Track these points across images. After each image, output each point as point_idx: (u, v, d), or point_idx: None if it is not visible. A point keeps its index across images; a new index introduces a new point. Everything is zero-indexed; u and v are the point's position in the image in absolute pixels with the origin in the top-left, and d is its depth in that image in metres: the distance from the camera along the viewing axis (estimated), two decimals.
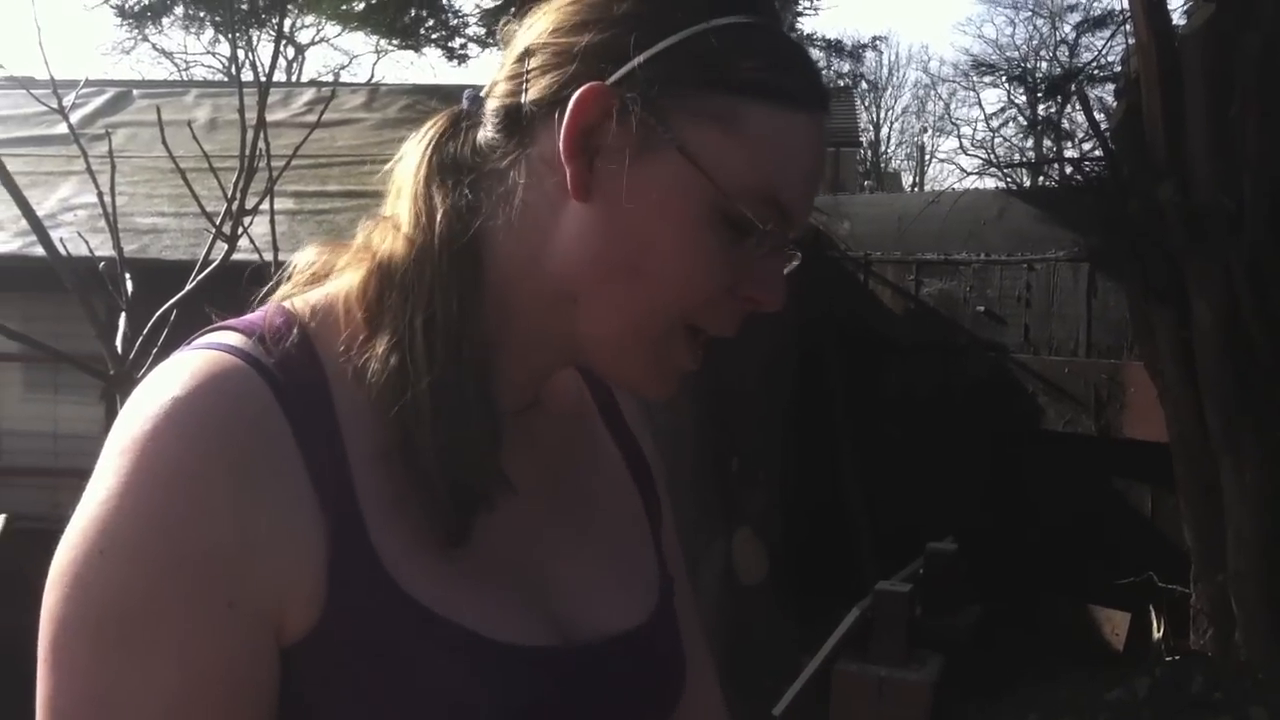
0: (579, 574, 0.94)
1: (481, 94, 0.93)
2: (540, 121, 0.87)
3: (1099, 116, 6.42)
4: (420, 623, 0.80)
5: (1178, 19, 5.25)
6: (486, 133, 0.90)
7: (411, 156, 0.92)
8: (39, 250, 2.90)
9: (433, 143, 0.92)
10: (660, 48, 0.84)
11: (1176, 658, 5.21)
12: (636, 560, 1.02)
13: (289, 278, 0.92)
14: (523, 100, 0.87)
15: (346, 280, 0.89)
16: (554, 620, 0.89)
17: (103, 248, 3.33)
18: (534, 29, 0.89)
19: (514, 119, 0.88)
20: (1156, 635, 5.74)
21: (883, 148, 35.03)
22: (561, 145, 0.84)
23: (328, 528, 0.79)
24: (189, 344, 0.85)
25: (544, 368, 0.96)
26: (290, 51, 24.04)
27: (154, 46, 23.71)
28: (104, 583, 0.75)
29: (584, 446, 1.04)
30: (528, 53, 0.88)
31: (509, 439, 0.89)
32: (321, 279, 0.91)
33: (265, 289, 0.92)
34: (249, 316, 0.87)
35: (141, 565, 0.74)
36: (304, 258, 0.92)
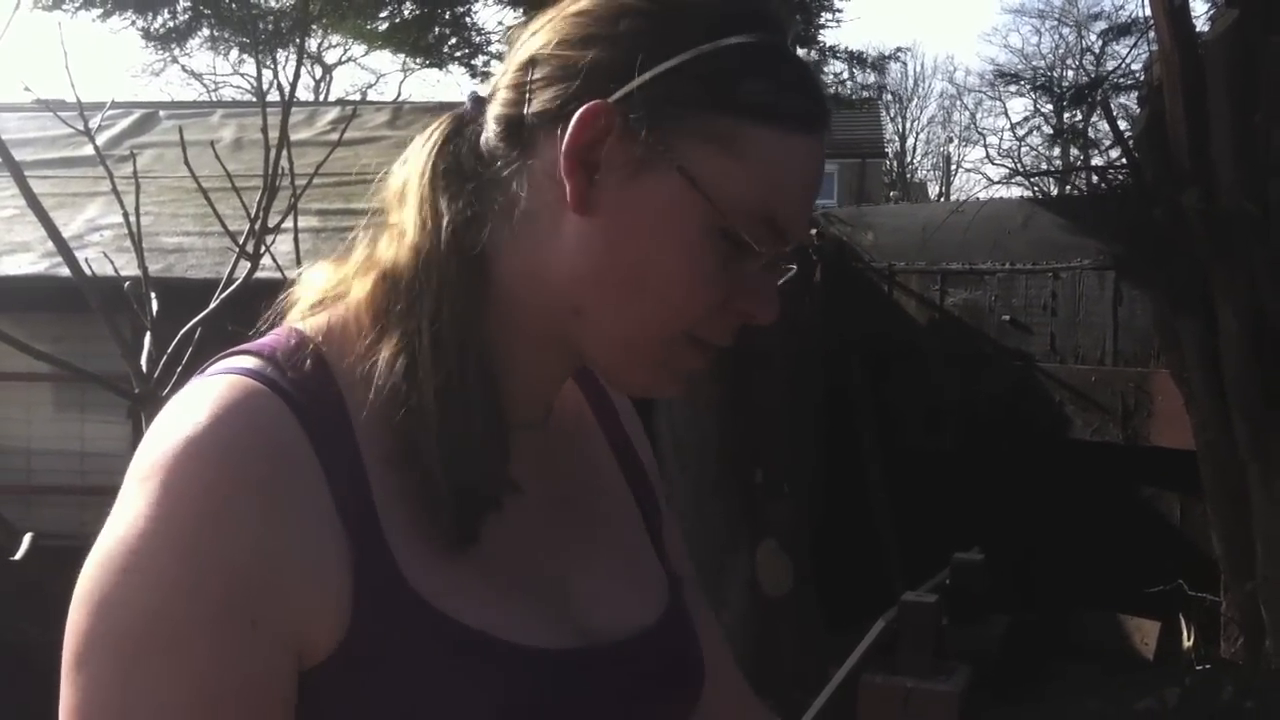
0: (595, 580, 0.96)
1: (484, 95, 0.94)
2: (543, 133, 0.88)
3: (1123, 124, 6.40)
4: (449, 635, 0.82)
5: (1201, 25, 5.23)
6: (489, 139, 0.91)
7: (415, 161, 0.93)
8: (66, 271, 2.93)
9: (436, 147, 0.93)
10: (665, 67, 0.84)
11: (1207, 666, 5.17)
12: (643, 563, 1.04)
13: (299, 298, 0.93)
14: (525, 111, 0.88)
15: (355, 293, 0.90)
16: (578, 624, 0.91)
17: (128, 267, 3.36)
18: (538, 38, 0.90)
19: (516, 129, 0.89)
20: (1187, 644, 5.70)
21: (909, 158, 35.00)
22: (563, 160, 0.85)
23: (351, 547, 0.80)
24: (204, 370, 0.87)
25: (553, 378, 0.98)
26: (318, 71, 24.22)
27: (183, 69, 23.95)
28: (126, 601, 0.76)
29: (587, 455, 1.06)
30: (532, 62, 0.89)
31: (522, 452, 0.91)
32: (333, 299, 0.92)
33: (273, 310, 0.93)
34: (262, 340, 0.88)
35: (163, 586, 0.76)
36: (313, 278, 0.94)
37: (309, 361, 0.85)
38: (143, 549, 0.76)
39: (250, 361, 0.85)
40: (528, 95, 0.88)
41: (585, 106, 0.84)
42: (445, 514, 0.83)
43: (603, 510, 1.04)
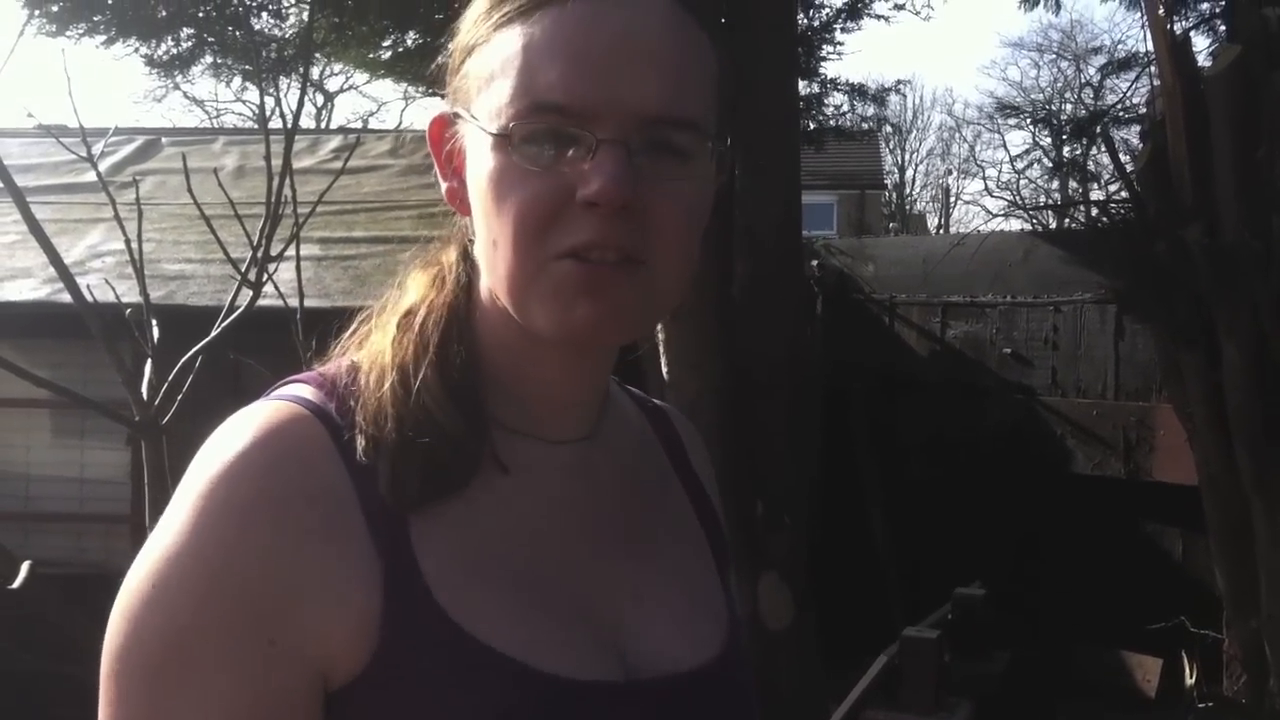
0: (647, 612, 0.94)
1: None
2: None
3: (1124, 158, 6.41)
4: (470, 654, 0.82)
5: (1203, 61, 5.25)
6: None
7: None
8: (67, 297, 2.92)
9: None
10: (449, 52, 0.93)
11: (1210, 704, 5.14)
12: (705, 596, 1.02)
13: (356, 331, 0.97)
14: None
15: (387, 323, 0.96)
16: (621, 655, 0.90)
17: (130, 294, 3.35)
18: None
19: None
20: (1189, 681, 5.66)
21: (908, 190, 35.05)
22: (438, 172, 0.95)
23: (383, 568, 0.82)
24: (266, 395, 0.91)
25: (559, 382, 0.95)
26: (319, 99, 24.29)
27: (185, 95, 24.00)
28: (151, 615, 0.79)
29: (650, 480, 1.06)
30: None
31: (571, 470, 0.95)
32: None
33: (337, 339, 0.98)
34: (324, 369, 0.93)
35: (185, 598, 0.78)
36: (366, 311, 0.98)
37: (354, 387, 0.89)
38: (168, 564, 0.79)
39: (302, 388, 0.89)
40: None
41: (429, 122, 0.94)
42: (396, 469, 0.84)
43: (667, 535, 1.03)
